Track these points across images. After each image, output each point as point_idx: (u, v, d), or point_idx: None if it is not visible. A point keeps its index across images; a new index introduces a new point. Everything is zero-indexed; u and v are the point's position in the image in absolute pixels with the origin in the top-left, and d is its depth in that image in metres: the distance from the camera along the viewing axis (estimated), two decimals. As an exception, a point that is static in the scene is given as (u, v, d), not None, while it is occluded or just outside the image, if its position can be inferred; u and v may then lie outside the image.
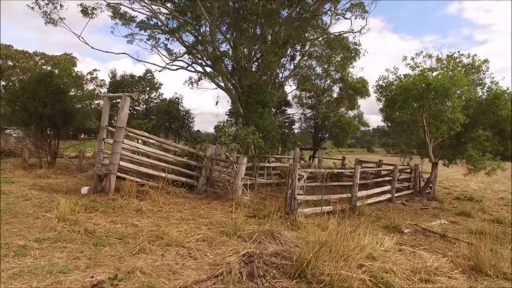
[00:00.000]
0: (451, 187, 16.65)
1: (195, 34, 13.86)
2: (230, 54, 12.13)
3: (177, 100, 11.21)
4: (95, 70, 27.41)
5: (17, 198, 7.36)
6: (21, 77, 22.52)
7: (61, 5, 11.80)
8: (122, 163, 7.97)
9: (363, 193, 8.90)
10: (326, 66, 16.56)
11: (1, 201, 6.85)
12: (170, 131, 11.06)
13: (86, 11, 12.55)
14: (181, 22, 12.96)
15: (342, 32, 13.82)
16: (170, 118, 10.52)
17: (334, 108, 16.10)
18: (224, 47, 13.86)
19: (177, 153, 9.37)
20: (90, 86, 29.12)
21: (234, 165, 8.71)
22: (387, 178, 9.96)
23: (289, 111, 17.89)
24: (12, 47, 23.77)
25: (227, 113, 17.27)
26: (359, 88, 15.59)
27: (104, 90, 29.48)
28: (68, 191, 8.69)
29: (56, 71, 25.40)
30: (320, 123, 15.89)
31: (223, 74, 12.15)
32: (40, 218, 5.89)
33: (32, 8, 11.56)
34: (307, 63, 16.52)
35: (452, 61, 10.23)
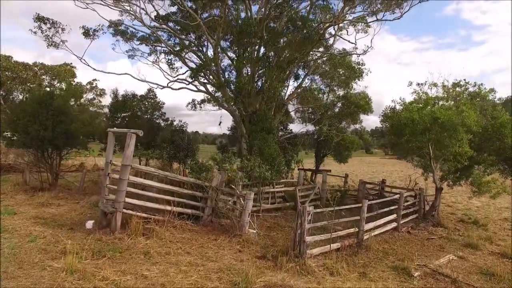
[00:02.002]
0: (454, 204, 16.64)
1: (199, 54, 13.77)
2: (234, 80, 12.05)
3: (181, 128, 11.10)
4: (94, 79, 27.24)
5: (21, 239, 7.23)
6: (20, 90, 22.32)
7: (62, 29, 11.69)
8: (127, 199, 7.87)
9: (370, 225, 8.85)
10: (329, 81, 16.50)
11: (5, 244, 6.74)
12: (175, 160, 10.95)
13: (87, 33, 12.44)
14: (184, 44, 12.86)
15: (347, 53, 13.76)
16: (174, 147, 10.42)
17: (337, 124, 16.04)
18: (227, 66, 13.80)
19: (183, 183, 9.29)
20: (90, 95, 29.06)
21: (241, 199, 8.63)
22: (392, 208, 9.91)
23: (291, 126, 17.84)
24: (12, 58, 23.54)
25: (229, 129, 17.19)
26: (362, 105, 15.54)
27: (103, 99, 29.37)
28: (73, 225, 8.57)
29: (56, 82, 25.34)
30: (322, 139, 15.84)
31: (228, 101, 12.08)
32: (46, 270, 5.77)
33: (35, 32, 11.44)
34: (310, 78, 16.49)
35: (457, 88, 10.19)
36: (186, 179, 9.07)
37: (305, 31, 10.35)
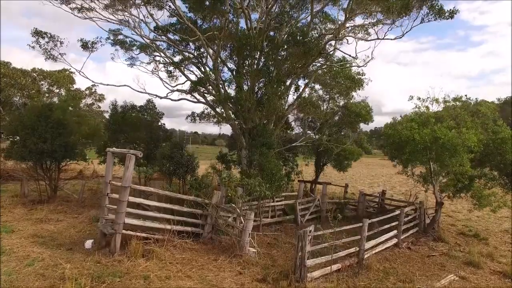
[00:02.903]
0: (454, 213, 16.63)
1: (198, 65, 13.70)
2: (234, 96, 11.96)
3: (180, 145, 10.99)
4: (93, 85, 27.12)
5: (19, 262, 7.15)
6: (19, 95, 22.21)
7: (61, 42, 11.61)
8: (127, 220, 7.80)
9: (371, 243, 8.80)
10: (329, 90, 16.45)
11: (3, 269, 6.67)
12: (174, 176, 10.88)
13: (86, 46, 12.36)
14: (184, 56, 12.82)
15: (346, 62, 13.73)
16: (174, 164, 10.35)
17: (337, 134, 15.99)
18: (227, 78, 13.79)
19: (183, 201, 9.23)
20: (89, 100, 28.99)
21: (241, 218, 8.58)
22: (393, 224, 9.87)
23: (291, 135, 17.77)
24: (10, 64, 23.42)
25: (229, 137, 17.11)
26: (363, 115, 15.50)
27: (102, 104, 29.28)
28: (72, 244, 8.49)
29: (55, 87, 25.23)
30: (322, 149, 15.80)
31: (229, 118, 12.05)
32: (45, 299, 5.72)
33: (33, 47, 11.35)
34: (311, 86, 16.45)
35: (458, 102, 10.17)
36: (185, 197, 9.01)
37: (305, 46, 10.30)
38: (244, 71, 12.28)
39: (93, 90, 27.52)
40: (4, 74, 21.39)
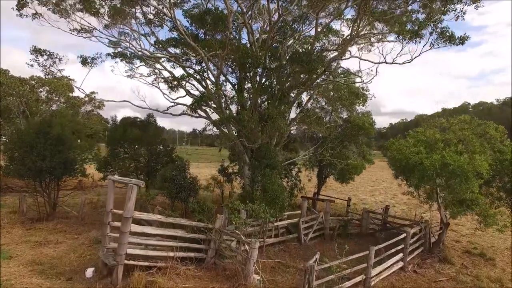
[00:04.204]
0: (458, 227, 16.46)
1: (200, 80, 13.49)
2: (237, 116, 11.76)
3: (182, 167, 10.78)
4: (92, 92, 26.82)
5: (18, 296, 6.96)
6: (17, 103, 21.92)
7: (60, 59, 11.39)
8: (129, 250, 7.61)
9: (377, 269, 8.65)
10: (332, 102, 16.28)
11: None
12: (176, 199, 10.67)
13: (85, 62, 12.13)
14: (186, 72, 12.63)
15: (350, 75, 13.58)
16: (176, 187, 10.16)
17: (339, 147, 15.82)
18: (230, 91, 13.61)
19: (186, 226, 9.04)
20: (88, 107, 28.74)
21: (246, 245, 8.39)
22: (399, 248, 9.70)
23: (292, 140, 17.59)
24: (9, 72, 23.14)
25: (229, 149, 16.93)
26: (366, 128, 15.34)
27: (101, 111, 29.04)
28: (72, 273, 8.27)
29: (54, 95, 24.97)
30: (325, 163, 15.65)
31: (232, 138, 11.88)
32: None
33: (32, 65, 11.13)
34: (314, 98, 16.30)
35: (465, 125, 10.02)
36: (188, 223, 8.83)
37: (309, 65, 10.11)
38: (246, 87, 12.10)
39: (92, 97, 27.22)
40: (1, 83, 21.11)
